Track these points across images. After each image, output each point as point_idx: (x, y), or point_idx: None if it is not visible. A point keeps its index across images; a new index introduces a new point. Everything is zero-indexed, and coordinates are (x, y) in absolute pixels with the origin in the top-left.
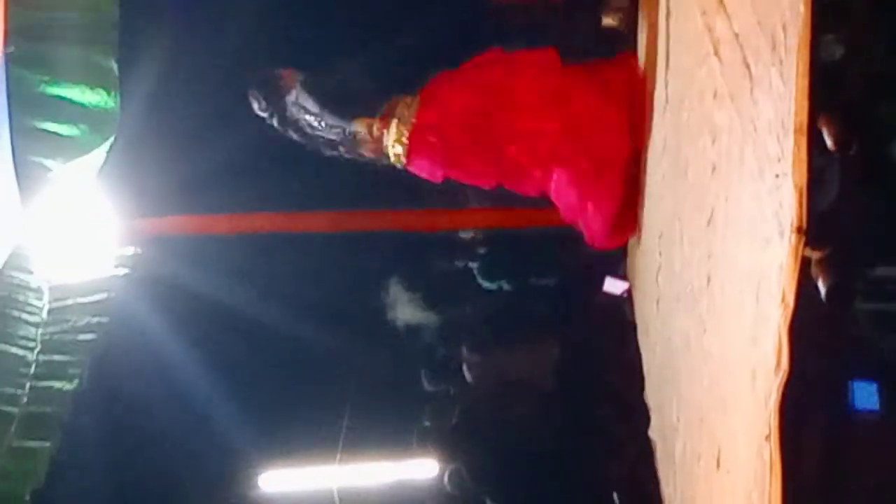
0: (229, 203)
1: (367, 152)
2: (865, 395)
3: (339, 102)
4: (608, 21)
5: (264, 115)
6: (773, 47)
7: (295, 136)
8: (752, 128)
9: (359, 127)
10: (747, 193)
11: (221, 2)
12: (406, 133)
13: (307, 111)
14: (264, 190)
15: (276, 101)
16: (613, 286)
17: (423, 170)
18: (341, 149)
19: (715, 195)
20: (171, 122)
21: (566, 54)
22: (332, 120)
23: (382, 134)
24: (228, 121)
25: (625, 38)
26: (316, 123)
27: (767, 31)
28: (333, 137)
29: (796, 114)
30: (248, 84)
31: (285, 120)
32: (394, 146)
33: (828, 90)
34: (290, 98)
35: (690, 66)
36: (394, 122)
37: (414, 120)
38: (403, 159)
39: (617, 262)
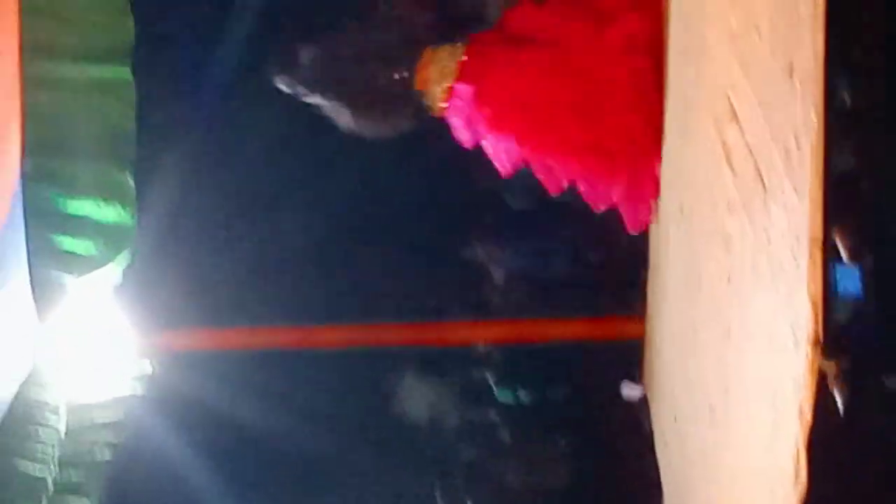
0: (244, 317)
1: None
2: None
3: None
4: None
5: (296, 91)
6: (787, 158)
7: (331, 100)
8: (766, 239)
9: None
10: (762, 304)
11: (240, 117)
12: (445, 89)
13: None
14: (280, 303)
15: (301, 73)
16: (630, 391)
17: (455, 128)
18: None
19: (730, 306)
20: (187, 235)
21: None
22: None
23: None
24: (244, 234)
25: None
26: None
27: (780, 141)
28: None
29: (810, 225)
30: (272, 72)
31: (318, 84)
32: (432, 95)
33: (842, 201)
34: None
35: (703, 176)
36: (434, 70)
37: (455, 79)
38: (439, 109)
39: (633, 368)
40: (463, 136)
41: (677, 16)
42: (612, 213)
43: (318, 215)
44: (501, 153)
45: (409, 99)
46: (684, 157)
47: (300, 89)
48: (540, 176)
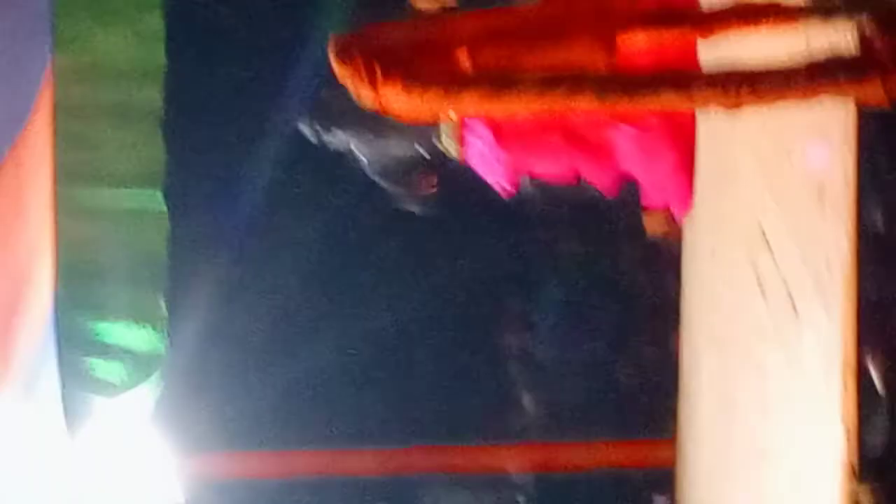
0: (274, 441)
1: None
2: None
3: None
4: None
5: (316, 129)
6: (818, 283)
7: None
8: (799, 365)
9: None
10: (797, 430)
11: (273, 241)
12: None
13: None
14: (310, 427)
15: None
16: None
17: (479, 163)
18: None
19: (765, 432)
20: (218, 359)
21: None
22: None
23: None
24: (275, 357)
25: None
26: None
27: (812, 267)
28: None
29: (843, 351)
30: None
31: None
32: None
33: (875, 327)
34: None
35: (734, 301)
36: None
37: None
38: (459, 152)
39: (665, 492)
40: (490, 167)
41: (706, 139)
42: (642, 337)
43: (349, 338)
44: (545, 165)
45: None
46: (714, 281)
47: (319, 128)
48: (593, 181)
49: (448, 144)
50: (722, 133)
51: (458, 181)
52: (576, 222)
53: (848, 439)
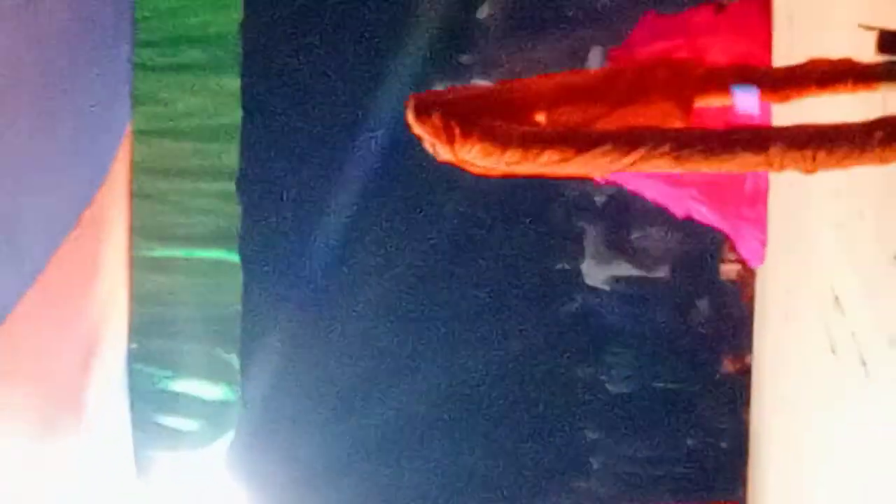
0: (343, 499)
1: None
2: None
3: None
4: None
5: None
6: (892, 346)
7: None
8: (871, 427)
9: None
10: (867, 493)
11: (341, 299)
12: None
13: None
14: (379, 487)
15: None
16: None
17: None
18: None
19: (834, 497)
20: (291, 414)
21: None
22: None
23: None
24: (347, 412)
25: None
26: None
27: (884, 329)
28: None
29: None
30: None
31: None
32: None
33: None
34: None
35: (806, 363)
36: None
37: None
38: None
39: None
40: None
41: (780, 201)
42: (713, 401)
43: (419, 396)
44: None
45: None
46: (786, 344)
47: None
48: (665, 204)
49: None
50: (796, 199)
51: None
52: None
53: None
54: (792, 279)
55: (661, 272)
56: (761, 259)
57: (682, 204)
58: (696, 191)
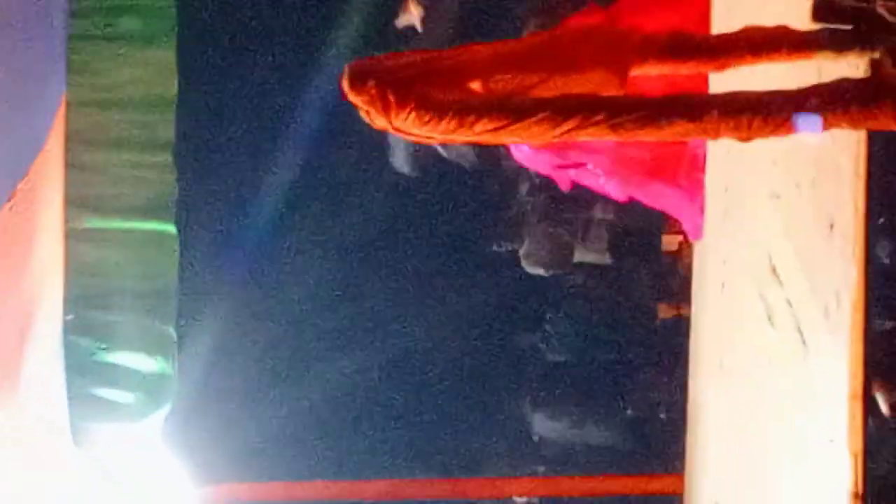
0: (286, 471)
1: None
2: None
3: None
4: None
5: None
6: (827, 315)
7: None
8: (808, 395)
9: None
10: (805, 460)
11: (280, 271)
12: None
13: None
14: (319, 458)
15: None
16: None
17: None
18: None
19: (774, 464)
20: (227, 388)
21: None
22: None
23: None
24: (287, 384)
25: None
26: None
27: (820, 298)
28: None
29: (851, 381)
30: None
31: None
32: None
33: (881, 357)
34: None
35: (743, 333)
36: None
37: None
38: None
39: None
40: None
41: (715, 176)
42: (649, 372)
43: (358, 368)
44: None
45: None
46: (723, 313)
47: None
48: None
49: None
50: (733, 169)
51: None
52: None
53: (854, 468)
54: (729, 249)
55: (606, 256)
56: (700, 232)
57: (565, 176)
58: (601, 160)
